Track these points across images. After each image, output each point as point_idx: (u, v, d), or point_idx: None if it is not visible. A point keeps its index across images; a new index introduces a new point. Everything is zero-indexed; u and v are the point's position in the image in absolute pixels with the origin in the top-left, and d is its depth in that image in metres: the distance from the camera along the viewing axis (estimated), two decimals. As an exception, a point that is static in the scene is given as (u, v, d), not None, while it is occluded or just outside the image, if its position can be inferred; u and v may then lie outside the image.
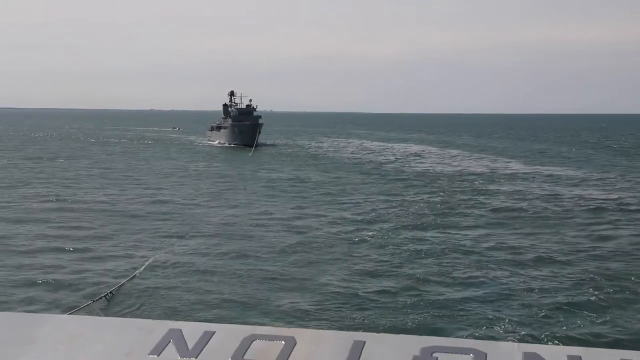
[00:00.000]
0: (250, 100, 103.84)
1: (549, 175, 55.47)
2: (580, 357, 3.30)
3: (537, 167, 64.35)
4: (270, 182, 50.78)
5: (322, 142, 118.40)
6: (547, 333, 16.27)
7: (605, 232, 29.61)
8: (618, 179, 53.12)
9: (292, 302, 19.04)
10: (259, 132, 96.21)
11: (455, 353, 3.37)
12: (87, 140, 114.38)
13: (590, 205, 37.92)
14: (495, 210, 36.16)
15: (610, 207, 37.07)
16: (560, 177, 54.04)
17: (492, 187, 46.97)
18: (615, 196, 41.90)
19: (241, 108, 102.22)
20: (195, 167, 64.59)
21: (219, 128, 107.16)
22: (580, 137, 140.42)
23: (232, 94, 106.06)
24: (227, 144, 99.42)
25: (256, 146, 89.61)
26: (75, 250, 25.56)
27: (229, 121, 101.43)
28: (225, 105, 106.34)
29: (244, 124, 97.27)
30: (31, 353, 3.63)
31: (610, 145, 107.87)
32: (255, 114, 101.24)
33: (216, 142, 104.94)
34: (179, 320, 5.80)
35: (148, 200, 39.84)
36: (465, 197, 41.18)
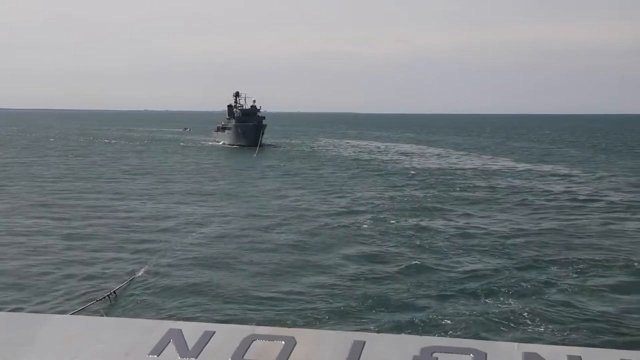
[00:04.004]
0: (254, 101, 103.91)
1: (524, 170, 60.18)
2: (580, 357, 3.30)
3: (515, 163, 69.37)
4: (275, 179, 53.13)
5: (318, 142, 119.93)
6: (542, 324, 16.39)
7: (576, 219, 33.20)
8: (587, 173, 57.58)
9: (301, 278, 21.51)
10: (263, 133, 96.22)
11: (455, 353, 3.37)
12: (98, 141, 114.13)
13: (561, 196, 42.00)
14: (474, 201, 39.74)
15: (578, 197, 41.52)
16: (533, 172, 59.11)
17: (471, 181, 51.08)
18: (587, 188, 46.57)
19: (245, 109, 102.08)
20: (205, 165, 67.09)
21: (223, 129, 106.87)
22: (571, 137, 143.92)
23: (237, 94, 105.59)
24: (231, 145, 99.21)
25: (260, 147, 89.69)
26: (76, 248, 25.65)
27: (233, 122, 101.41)
28: (229, 106, 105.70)
29: (247, 125, 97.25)
30: (31, 353, 3.63)
31: (597, 144, 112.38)
32: (259, 114, 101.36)
33: (221, 142, 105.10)
34: (179, 320, 5.81)
35: (154, 198, 40.76)
36: (451, 190, 45.02)
